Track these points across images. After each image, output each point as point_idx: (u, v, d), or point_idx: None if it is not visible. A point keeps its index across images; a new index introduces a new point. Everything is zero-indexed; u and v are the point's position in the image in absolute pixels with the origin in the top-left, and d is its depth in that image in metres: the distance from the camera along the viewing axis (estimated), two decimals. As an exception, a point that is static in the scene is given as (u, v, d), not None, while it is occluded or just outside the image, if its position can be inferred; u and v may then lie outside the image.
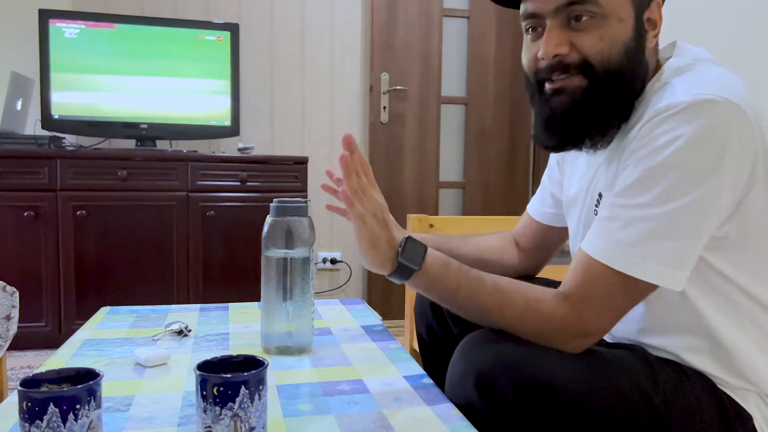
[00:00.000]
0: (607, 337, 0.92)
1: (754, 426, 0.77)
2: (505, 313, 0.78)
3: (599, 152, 0.86)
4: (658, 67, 0.83)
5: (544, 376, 0.71)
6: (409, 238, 0.81)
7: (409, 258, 0.79)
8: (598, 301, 0.74)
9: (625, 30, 0.77)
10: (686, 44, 0.83)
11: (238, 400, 0.59)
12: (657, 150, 0.71)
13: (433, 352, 1.13)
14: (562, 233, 1.09)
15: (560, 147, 0.85)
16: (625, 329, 0.86)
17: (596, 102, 0.78)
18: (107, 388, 0.82)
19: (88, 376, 0.59)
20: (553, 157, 1.08)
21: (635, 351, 0.81)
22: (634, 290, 0.73)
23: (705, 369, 0.79)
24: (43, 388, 0.58)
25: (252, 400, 0.60)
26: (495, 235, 1.17)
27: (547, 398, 0.70)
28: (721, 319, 0.77)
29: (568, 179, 1.00)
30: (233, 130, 2.74)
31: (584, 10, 0.76)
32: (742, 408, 0.77)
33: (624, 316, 0.76)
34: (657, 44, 0.84)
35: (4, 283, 1.45)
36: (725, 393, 0.78)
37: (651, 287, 0.73)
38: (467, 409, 0.76)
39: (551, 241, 1.12)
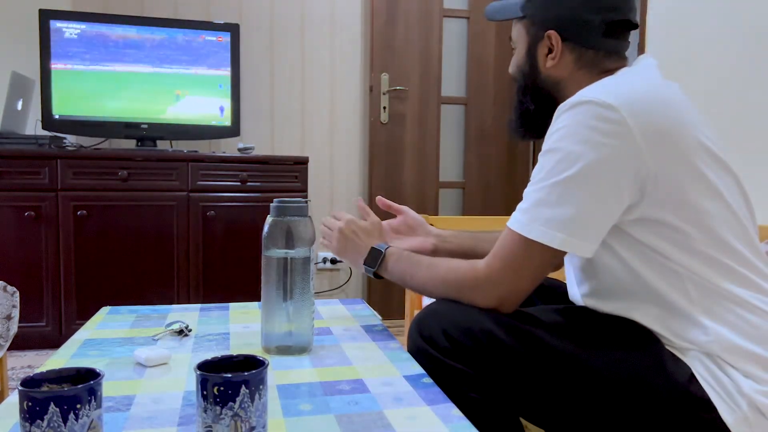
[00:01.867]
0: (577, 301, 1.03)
1: (693, 375, 0.83)
2: (435, 279, 0.98)
3: None
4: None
5: (462, 319, 0.90)
6: (373, 248, 1.10)
7: (367, 261, 1.10)
8: (501, 257, 0.90)
9: (520, 57, 1.05)
10: (646, 57, 0.98)
11: (238, 399, 0.59)
12: (548, 138, 0.89)
13: None
14: None
15: (519, 137, 1.11)
16: (583, 294, 0.99)
17: (516, 105, 1.08)
18: (108, 388, 0.82)
19: (89, 375, 0.59)
20: None
21: (579, 310, 0.96)
22: (532, 250, 0.87)
23: (654, 329, 0.88)
24: (44, 388, 0.59)
25: (252, 399, 0.60)
26: None
27: (467, 337, 0.88)
28: (663, 286, 0.86)
29: None
30: (233, 130, 2.75)
31: (512, 45, 1.08)
32: (683, 361, 0.85)
33: (538, 278, 0.90)
34: (572, 60, 1.00)
35: (5, 283, 1.45)
36: (669, 350, 0.86)
37: (546, 248, 0.85)
38: (417, 353, 0.93)
39: None
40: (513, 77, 1.08)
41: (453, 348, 0.89)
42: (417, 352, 0.94)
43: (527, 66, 1.04)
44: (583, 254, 0.85)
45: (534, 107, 1.05)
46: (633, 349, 0.86)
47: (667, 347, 0.86)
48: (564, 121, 0.86)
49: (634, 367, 0.85)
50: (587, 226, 0.85)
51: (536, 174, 0.89)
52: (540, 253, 0.87)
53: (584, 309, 0.97)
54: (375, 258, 1.08)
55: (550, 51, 1.00)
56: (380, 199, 1.28)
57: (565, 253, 0.88)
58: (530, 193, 0.88)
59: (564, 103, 0.88)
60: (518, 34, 1.05)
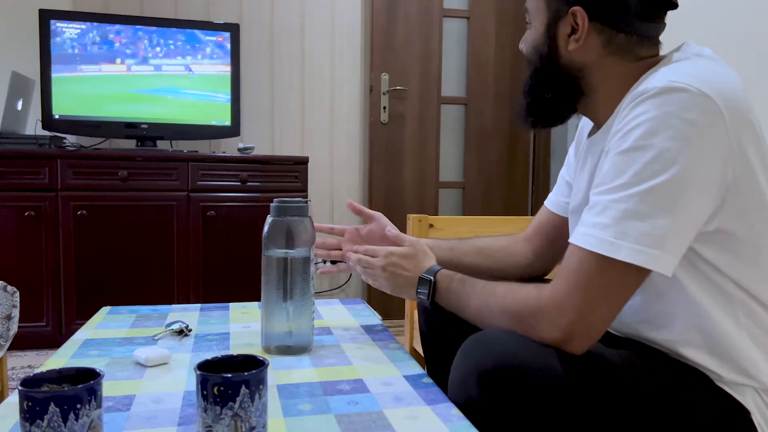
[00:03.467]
0: (614, 331, 0.93)
1: (752, 420, 0.77)
2: (490, 304, 0.85)
3: (598, 143, 0.87)
4: (656, 62, 0.84)
5: (543, 374, 0.73)
6: (420, 278, 0.97)
7: (420, 293, 0.98)
8: (575, 283, 0.74)
9: (537, 35, 0.90)
10: (694, 43, 0.85)
11: (238, 399, 0.59)
12: (629, 133, 0.73)
13: (433, 342, 1.14)
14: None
15: (528, 126, 0.99)
16: (623, 322, 0.88)
17: (529, 89, 0.95)
18: (108, 388, 0.82)
19: (89, 375, 0.59)
20: (572, 148, 1.10)
21: (634, 351, 0.82)
22: (614, 272, 0.72)
23: (701, 363, 0.79)
24: (44, 388, 0.59)
25: (252, 399, 0.60)
26: (503, 237, 1.18)
27: (545, 395, 0.73)
28: (715, 308, 0.77)
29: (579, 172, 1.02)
30: (233, 130, 2.75)
31: (527, 17, 0.94)
32: (740, 403, 0.77)
33: (617, 308, 0.75)
34: (599, 43, 0.85)
35: (5, 283, 1.45)
36: (722, 389, 0.78)
37: (634, 269, 0.72)
38: (468, 407, 0.78)
39: (564, 236, 1.12)
40: (526, 57, 0.94)
41: (528, 408, 0.74)
42: (473, 408, 0.77)
43: (545, 46, 0.89)
44: (667, 272, 0.72)
45: (551, 95, 0.91)
46: (688, 400, 0.77)
47: (718, 384, 0.78)
48: (649, 111, 0.72)
49: (694, 422, 0.76)
50: (677, 239, 0.72)
51: (615, 177, 0.73)
52: (626, 276, 0.72)
53: (641, 351, 0.84)
54: (425, 288, 0.97)
55: (574, 31, 0.85)
56: (350, 203, 1.19)
57: (650, 272, 0.73)
58: (612, 202, 0.73)
59: (642, 89, 0.74)
60: (536, 6, 0.90)
